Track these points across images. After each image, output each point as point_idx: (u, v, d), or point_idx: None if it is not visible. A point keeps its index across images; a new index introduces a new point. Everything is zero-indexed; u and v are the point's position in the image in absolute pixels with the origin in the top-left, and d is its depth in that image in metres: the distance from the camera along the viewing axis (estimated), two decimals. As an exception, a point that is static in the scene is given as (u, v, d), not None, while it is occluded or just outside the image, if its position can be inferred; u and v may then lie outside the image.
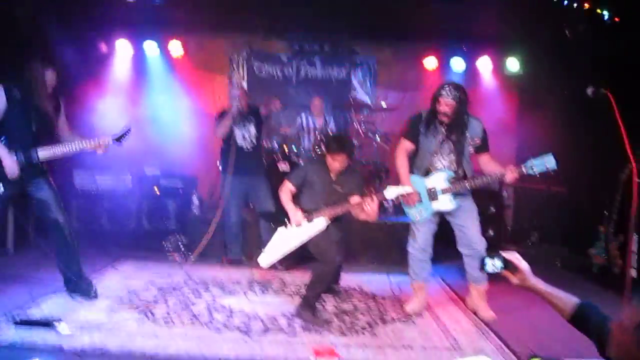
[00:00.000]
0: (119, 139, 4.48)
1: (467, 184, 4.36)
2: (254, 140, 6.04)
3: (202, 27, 8.25)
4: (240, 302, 4.69)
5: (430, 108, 4.43)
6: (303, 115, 7.76)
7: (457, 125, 4.37)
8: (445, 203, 4.43)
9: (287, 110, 8.48)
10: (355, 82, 8.72)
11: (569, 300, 2.16)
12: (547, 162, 4.17)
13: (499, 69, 8.50)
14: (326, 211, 4.50)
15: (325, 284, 4.37)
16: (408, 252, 4.66)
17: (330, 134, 7.34)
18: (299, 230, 4.51)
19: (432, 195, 4.42)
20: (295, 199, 4.64)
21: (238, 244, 6.12)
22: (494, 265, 2.16)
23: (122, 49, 8.14)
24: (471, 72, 8.55)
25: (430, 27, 7.74)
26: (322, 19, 7.54)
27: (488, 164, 4.49)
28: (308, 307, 4.29)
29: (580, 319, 2.12)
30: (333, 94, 8.49)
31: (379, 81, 8.80)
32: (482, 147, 4.49)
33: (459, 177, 4.44)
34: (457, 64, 8.46)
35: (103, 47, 8.04)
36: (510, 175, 4.23)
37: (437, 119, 4.38)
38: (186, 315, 4.26)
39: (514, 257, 2.20)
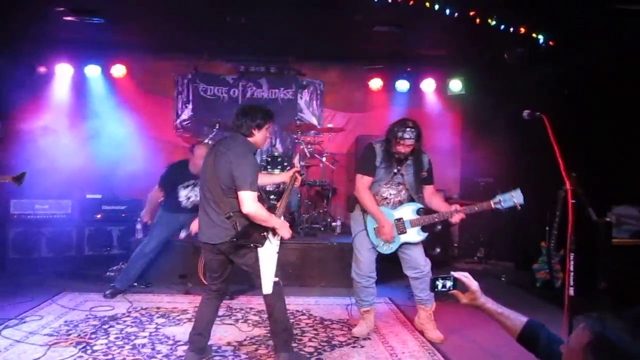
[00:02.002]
0: (18, 181, 4.49)
1: (435, 218, 4.39)
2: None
3: (146, 48, 8.13)
4: (186, 332, 4.54)
5: (386, 145, 4.42)
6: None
7: (415, 162, 4.45)
8: (413, 235, 4.46)
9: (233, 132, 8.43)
10: (301, 103, 8.74)
11: (517, 319, 2.17)
12: (515, 197, 4.19)
13: (442, 90, 8.69)
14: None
15: (286, 318, 3.98)
16: (353, 279, 4.64)
17: (276, 154, 7.31)
18: (274, 247, 3.82)
19: (400, 227, 4.43)
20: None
21: (137, 270, 5.81)
22: (444, 285, 2.16)
23: (63, 71, 7.90)
24: (416, 92, 8.71)
25: (376, 49, 7.87)
26: (268, 40, 7.56)
27: (432, 196, 4.57)
28: (290, 346, 3.93)
29: (528, 338, 2.13)
30: (280, 115, 8.45)
31: (326, 102, 8.86)
32: (428, 179, 4.56)
33: (427, 210, 4.48)
34: (402, 85, 8.60)
35: (42, 70, 7.79)
36: (457, 216, 4.28)
37: (392, 154, 4.40)
38: (127, 348, 4.11)
39: (465, 276, 2.20)
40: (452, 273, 2.19)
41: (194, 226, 5.16)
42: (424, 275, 4.51)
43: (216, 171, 3.68)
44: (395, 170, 4.45)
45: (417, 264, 4.51)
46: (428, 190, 4.57)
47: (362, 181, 4.49)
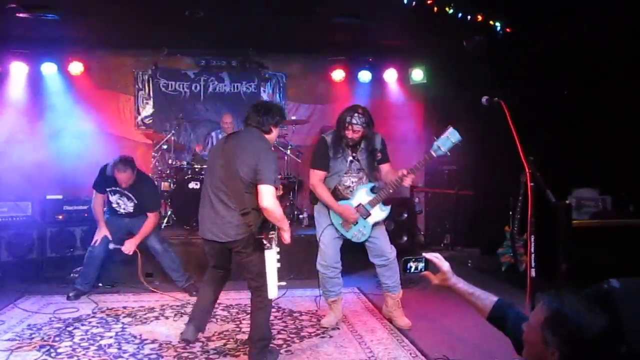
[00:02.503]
0: None
1: (389, 189, 4.34)
2: (131, 209, 5.72)
3: (104, 44, 7.97)
4: (153, 330, 4.51)
5: (336, 132, 4.42)
6: (213, 133, 7.67)
7: (367, 146, 4.45)
8: (378, 213, 4.46)
9: (197, 128, 8.37)
10: (264, 96, 8.69)
11: (487, 299, 2.20)
12: (451, 136, 4.18)
13: (404, 79, 8.75)
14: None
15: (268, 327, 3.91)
16: (318, 270, 4.64)
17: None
18: (274, 250, 3.65)
19: (364, 212, 4.43)
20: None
21: (94, 273, 5.68)
22: (416, 266, 2.19)
23: (18, 70, 7.69)
24: (378, 83, 8.74)
25: (337, 41, 7.87)
26: (228, 34, 7.49)
27: (388, 173, 4.52)
28: (267, 354, 3.82)
29: (497, 318, 2.16)
30: (243, 109, 8.36)
31: (289, 95, 8.84)
32: (383, 158, 4.54)
33: (380, 186, 4.48)
34: (364, 75, 8.62)
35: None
36: (407, 179, 4.23)
37: (344, 142, 4.40)
38: (93, 349, 4.04)
39: (436, 257, 2.22)
40: (423, 254, 2.22)
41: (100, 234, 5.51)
42: (389, 263, 4.54)
43: (236, 165, 3.56)
44: (351, 158, 4.46)
45: (383, 251, 4.54)
46: (385, 168, 4.53)
47: (316, 176, 4.46)
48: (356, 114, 4.29)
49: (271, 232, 3.57)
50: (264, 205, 3.50)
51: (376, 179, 4.56)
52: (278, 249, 3.58)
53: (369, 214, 4.44)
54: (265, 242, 3.50)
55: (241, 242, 3.62)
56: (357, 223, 4.45)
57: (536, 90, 6.29)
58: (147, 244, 5.75)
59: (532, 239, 3.61)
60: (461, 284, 2.23)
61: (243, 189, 3.57)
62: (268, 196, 3.50)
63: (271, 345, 3.95)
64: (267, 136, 3.76)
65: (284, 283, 3.65)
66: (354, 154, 4.46)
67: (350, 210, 4.41)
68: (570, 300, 1.65)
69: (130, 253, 5.59)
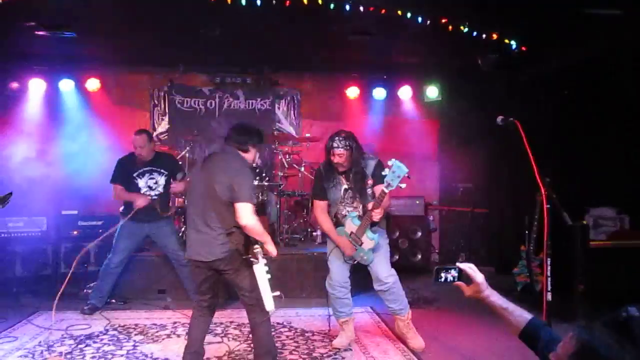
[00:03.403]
0: (1, 202, 4.39)
1: (372, 215, 4.23)
2: (161, 188, 5.74)
3: (120, 61, 8.05)
4: (164, 349, 4.49)
5: (325, 161, 4.45)
6: (228, 149, 7.70)
7: (355, 172, 4.36)
8: (367, 241, 4.38)
9: (212, 144, 8.39)
10: (279, 113, 8.71)
11: (521, 316, 2.10)
12: (397, 171, 4.00)
13: (418, 96, 8.72)
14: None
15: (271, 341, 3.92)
16: (327, 290, 4.60)
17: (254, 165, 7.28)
18: (262, 263, 3.68)
19: (356, 240, 4.38)
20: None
21: (108, 286, 5.73)
22: (447, 276, 2.13)
23: (36, 87, 7.79)
24: (393, 100, 8.72)
25: (352, 58, 7.89)
26: (243, 52, 7.53)
27: None
28: None
29: (530, 336, 2.07)
30: (257, 126, 8.40)
31: (303, 112, 8.85)
32: (376, 181, 4.38)
33: (364, 212, 4.38)
34: (379, 93, 8.62)
35: (14, 85, 7.69)
36: (374, 214, 4.15)
37: (335, 169, 4.38)
38: (104, 368, 4.04)
39: (470, 268, 2.15)
40: (457, 264, 2.14)
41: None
42: (389, 287, 4.44)
43: (213, 185, 3.60)
44: (346, 186, 4.42)
45: (380, 276, 4.43)
46: (377, 192, 4.31)
47: (317, 206, 4.55)
48: (337, 138, 4.27)
49: (255, 247, 3.59)
50: (243, 223, 3.53)
51: (366, 204, 4.42)
52: (265, 261, 3.60)
53: (362, 242, 4.38)
54: (251, 258, 3.54)
55: (224, 260, 3.62)
56: (357, 249, 4.40)
57: (551, 108, 6.25)
58: (169, 254, 5.76)
59: (549, 262, 3.54)
60: (495, 297, 2.12)
61: (223, 209, 3.59)
62: (246, 213, 3.52)
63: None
64: (245, 155, 3.80)
65: (278, 293, 3.62)
66: (347, 182, 4.42)
67: (345, 242, 4.39)
68: (600, 332, 1.60)
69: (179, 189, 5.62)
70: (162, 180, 5.71)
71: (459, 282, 2.15)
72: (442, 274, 2.14)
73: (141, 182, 5.68)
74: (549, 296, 3.43)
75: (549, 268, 3.52)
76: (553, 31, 5.73)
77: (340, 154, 4.25)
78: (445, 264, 2.14)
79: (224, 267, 3.65)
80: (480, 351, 4.40)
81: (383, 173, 4.05)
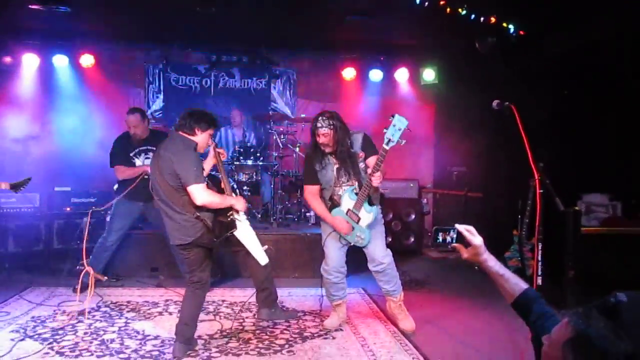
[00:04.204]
0: (16, 188, 4.46)
1: (366, 190, 4.21)
2: None
3: (116, 38, 7.97)
4: (155, 326, 4.51)
5: (312, 144, 4.42)
6: (222, 128, 7.69)
7: (342, 150, 4.32)
8: (366, 216, 4.36)
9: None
10: (274, 93, 8.67)
11: (516, 285, 2.08)
12: (398, 124, 4.02)
13: (415, 79, 8.69)
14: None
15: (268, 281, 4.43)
16: (322, 275, 4.60)
17: (249, 145, 7.27)
18: (244, 222, 4.12)
19: (354, 217, 4.37)
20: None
21: (102, 264, 5.69)
22: (445, 237, 2.11)
23: (29, 62, 7.72)
24: (389, 82, 8.69)
25: (349, 39, 7.83)
26: (240, 30, 7.47)
27: None
28: (272, 304, 4.42)
29: (522, 307, 2.06)
30: (252, 105, 8.43)
31: (299, 92, 8.81)
32: (367, 155, 4.37)
33: (360, 186, 4.35)
34: (375, 74, 8.58)
35: (8, 60, 7.61)
36: (374, 179, 4.07)
37: (322, 150, 4.36)
38: (95, 344, 4.05)
39: (468, 230, 2.12)
40: (455, 225, 2.12)
41: None
42: (384, 269, 4.44)
43: (162, 174, 3.78)
44: (338, 166, 4.38)
45: (375, 257, 4.43)
46: (371, 163, 4.28)
47: (308, 191, 4.52)
48: (320, 118, 4.25)
49: (229, 213, 3.91)
50: (199, 204, 3.74)
51: (362, 179, 4.38)
52: (246, 221, 4.06)
53: (359, 218, 4.37)
54: (229, 221, 3.88)
55: (202, 237, 3.87)
56: (354, 229, 4.41)
57: (548, 94, 6.22)
58: (163, 232, 5.73)
59: (540, 246, 3.56)
60: (492, 262, 2.10)
61: (177, 194, 3.80)
62: (197, 195, 3.72)
63: (273, 343, 3.95)
64: (192, 138, 3.91)
65: (266, 247, 4.16)
66: (336, 161, 4.38)
67: (341, 221, 4.36)
68: (596, 322, 1.60)
69: None
70: None
71: (457, 244, 2.13)
72: (440, 235, 2.12)
73: (138, 162, 5.65)
74: (539, 280, 3.45)
75: (539, 253, 3.53)
76: (552, 16, 5.69)
77: (325, 134, 4.22)
78: (443, 226, 2.11)
79: (211, 243, 3.93)
80: (471, 335, 4.43)
81: (384, 130, 4.02)
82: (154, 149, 5.52)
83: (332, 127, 4.22)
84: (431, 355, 3.98)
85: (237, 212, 4.01)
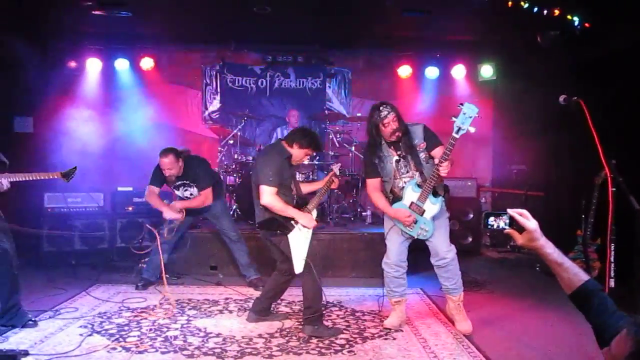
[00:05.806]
0: (67, 177, 4.55)
1: (432, 181, 4.16)
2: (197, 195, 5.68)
3: (174, 40, 8.16)
4: (217, 324, 4.57)
5: (370, 138, 4.37)
6: (279, 129, 7.75)
7: (403, 142, 4.28)
8: (431, 207, 4.30)
9: (263, 123, 8.46)
10: (329, 92, 8.68)
11: (576, 276, 1.92)
12: (468, 112, 3.94)
13: (472, 75, 8.52)
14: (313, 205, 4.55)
15: (314, 297, 4.36)
16: (383, 269, 4.57)
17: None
18: (303, 233, 4.33)
19: (417, 209, 4.31)
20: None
21: (157, 266, 5.63)
22: (498, 222, 2.02)
23: (93, 66, 7.99)
24: (445, 79, 8.56)
25: (404, 36, 7.75)
26: (295, 29, 7.51)
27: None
28: (316, 322, 4.34)
29: (581, 299, 1.89)
30: (308, 104, 8.46)
31: (354, 91, 8.78)
32: (430, 146, 4.31)
33: (424, 178, 4.29)
34: (431, 71, 8.46)
35: (72, 64, 7.90)
36: (442, 169, 4.02)
37: (383, 143, 4.32)
38: (160, 340, 4.13)
39: (522, 214, 2.01)
40: (508, 210, 2.02)
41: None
42: (447, 264, 4.37)
43: (254, 169, 4.44)
44: (397, 158, 4.33)
45: (439, 251, 4.37)
46: (437, 152, 4.25)
47: (370, 184, 4.51)
48: (381, 107, 4.24)
49: (290, 220, 4.28)
50: (263, 203, 4.24)
51: (426, 173, 4.31)
52: (307, 233, 4.32)
53: (424, 210, 4.31)
54: (288, 224, 4.28)
55: (263, 224, 4.38)
56: (417, 221, 4.34)
57: (615, 89, 5.96)
58: (222, 232, 5.83)
59: (612, 247, 3.40)
60: (550, 249, 1.95)
61: (256, 188, 4.31)
62: (263, 195, 4.21)
63: (333, 343, 4.00)
64: (288, 149, 4.38)
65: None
66: (399, 153, 4.34)
67: (403, 213, 4.30)
68: None
69: (176, 215, 5.51)
70: (195, 191, 5.65)
71: (510, 230, 2.02)
72: (492, 221, 2.02)
73: (178, 193, 5.73)
74: (612, 283, 3.30)
75: (612, 254, 3.38)
76: (620, 6, 5.45)
77: (393, 120, 4.19)
78: (495, 211, 2.01)
79: (265, 234, 4.40)
80: (535, 337, 4.30)
81: (452, 119, 3.95)
82: (189, 183, 5.61)
83: (395, 112, 4.22)
84: (496, 357, 3.87)
85: (293, 224, 4.30)
